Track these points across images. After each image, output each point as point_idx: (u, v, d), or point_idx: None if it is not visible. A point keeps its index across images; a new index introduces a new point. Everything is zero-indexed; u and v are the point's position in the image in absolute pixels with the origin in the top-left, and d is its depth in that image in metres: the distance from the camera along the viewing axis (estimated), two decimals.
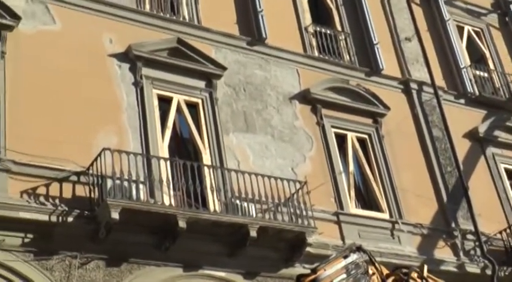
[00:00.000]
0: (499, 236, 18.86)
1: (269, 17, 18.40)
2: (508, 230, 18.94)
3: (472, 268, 18.00)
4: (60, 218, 13.31)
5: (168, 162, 14.85)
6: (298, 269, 14.81)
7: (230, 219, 14.48)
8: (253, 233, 14.50)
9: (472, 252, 18.40)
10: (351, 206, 17.35)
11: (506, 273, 18.26)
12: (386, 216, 17.73)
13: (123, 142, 14.89)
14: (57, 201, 13.61)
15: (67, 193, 13.82)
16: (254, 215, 14.89)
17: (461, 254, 18.19)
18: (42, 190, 13.62)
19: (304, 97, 18.12)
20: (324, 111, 18.16)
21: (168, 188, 14.36)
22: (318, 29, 19.73)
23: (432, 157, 19.34)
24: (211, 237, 14.48)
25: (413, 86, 20.26)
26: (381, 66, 19.79)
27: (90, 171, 13.97)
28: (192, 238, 14.08)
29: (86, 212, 13.56)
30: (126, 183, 13.70)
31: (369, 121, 18.87)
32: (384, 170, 18.29)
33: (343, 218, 16.95)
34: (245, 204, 14.87)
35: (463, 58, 21.87)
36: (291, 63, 18.50)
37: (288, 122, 17.58)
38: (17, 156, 13.51)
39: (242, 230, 14.56)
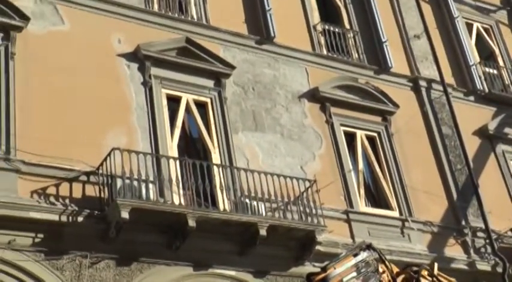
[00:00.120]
0: (509, 233, 18.81)
1: (277, 15, 18.39)
2: None
3: (483, 266, 17.96)
4: (70, 217, 13.35)
5: (178, 162, 14.88)
6: (308, 268, 14.80)
7: (240, 218, 14.49)
8: (262, 232, 14.51)
9: (483, 249, 18.35)
10: (361, 204, 17.33)
11: None
12: (396, 214, 17.71)
13: (132, 142, 14.92)
14: (67, 201, 13.64)
15: (77, 193, 13.85)
16: (264, 214, 14.89)
17: (471, 251, 18.15)
18: (52, 190, 13.65)
19: (313, 95, 18.11)
20: (333, 110, 18.15)
21: (178, 187, 14.37)
22: (327, 27, 19.71)
23: (442, 155, 19.30)
24: (221, 236, 14.49)
25: (423, 83, 20.23)
26: (389, 64, 19.76)
27: (100, 171, 14.00)
28: (202, 237, 14.10)
29: (96, 212, 13.59)
30: (135, 183, 13.73)
31: (378, 119, 18.85)
32: (394, 168, 18.27)
33: (353, 216, 16.93)
34: (255, 203, 14.88)
35: (472, 55, 21.80)
36: (299, 61, 18.49)
37: (297, 120, 17.57)
38: (26, 157, 13.55)
39: (252, 229, 14.57)
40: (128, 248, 13.65)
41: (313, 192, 15.60)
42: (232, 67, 17.03)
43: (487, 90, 21.32)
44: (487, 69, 21.96)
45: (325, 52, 19.21)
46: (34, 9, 15.26)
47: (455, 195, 18.77)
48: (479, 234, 18.49)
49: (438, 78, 20.34)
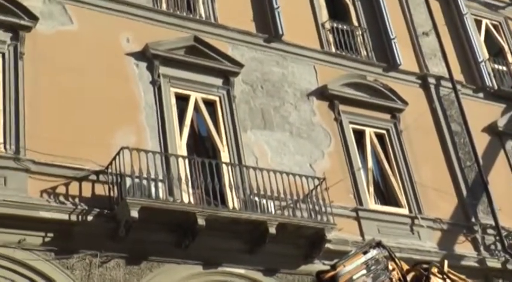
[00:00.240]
0: None
1: (286, 13, 18.38)
2: None
3: (493, 263, 17.92)
4: (80, 217, 13.39)
5: (187, 160, 14.90)
6: (318, 266, 14.81)
7: (249, 216, 14.50)
8: (272, 230, 14.51)
9: (493, 246, 18.31)
10: (370, 202, 17.31)
11: None
12: (405, 211, 17.68)
13: (141, 141, 14.94)
14: (76, 200, 13.68)
15: (86, 192, 13.89)
16: (273, 212, 14.88)
17: (481, 248, 18.10)
18: (61, 189, 13.69)
19: (322, 93, 18.10)
20: (342, 107, 18.13)
21: (187, 186, 14.39)
22: (335, 25, 19.69)
23: (451, 152, 19.26)
24: (230, 235, 14.50)
25: (431, 80, 20.18)
26: (398, 61, 19.72)
27: (109, 170, 14.03)
28: (211, 235, 14.11)
29: (106, 211, 13.62)
30: (145, 182, 13.75)
31: (387, 116, 18.81)
32: (403, 165, 18.23)
33: (362, 214, 16.92)
34: (264, 201, 14.88)
35: (481, 52, 21.75)
36: (308, 59, 18.48)
37: (305, 118, 17.56)
38: (36, 156, 13.59)
39: (261, 227, 14.57)
40: (137, 247, 13.68)
41: (323, 190, 15.59)
42: (241, 65, 17.03)
43: (496, 86, 21.26)
44: (496, 66, 21.90)
45: (333, 50, 19.18)
46: (43, 9, 15.30)
47: (464, 192, 18.72)
48: (489, 231, 18.44)
49: (447, 75, 20.28)
